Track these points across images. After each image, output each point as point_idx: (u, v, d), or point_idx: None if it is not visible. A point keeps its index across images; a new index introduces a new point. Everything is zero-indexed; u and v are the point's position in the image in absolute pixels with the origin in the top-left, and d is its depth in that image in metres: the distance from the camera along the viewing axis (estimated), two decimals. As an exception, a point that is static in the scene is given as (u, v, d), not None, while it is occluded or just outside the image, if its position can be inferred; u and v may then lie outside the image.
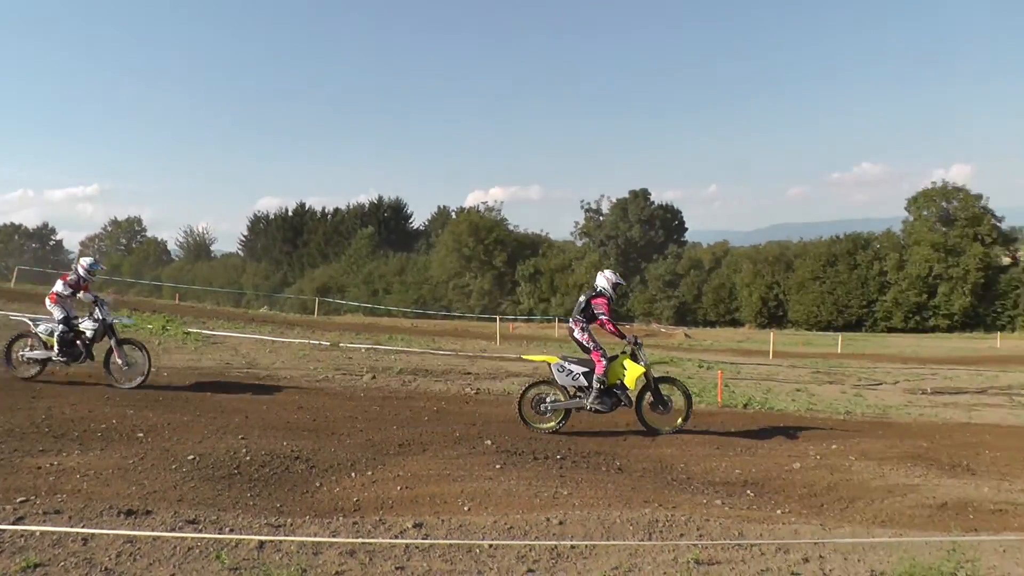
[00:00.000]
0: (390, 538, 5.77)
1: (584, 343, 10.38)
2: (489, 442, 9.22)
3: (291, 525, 6.00)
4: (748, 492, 8.16)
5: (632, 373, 10.34)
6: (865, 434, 11.55)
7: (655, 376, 10.78)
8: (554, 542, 5.81)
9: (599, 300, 10.44)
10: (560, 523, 6.30)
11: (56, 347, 11.70)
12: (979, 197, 70.32)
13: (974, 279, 66.19)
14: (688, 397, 10.82)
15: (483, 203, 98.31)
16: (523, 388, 10.75)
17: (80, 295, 11.98)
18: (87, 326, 11.87)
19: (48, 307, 12.01)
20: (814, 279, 73.13)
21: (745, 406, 13.91)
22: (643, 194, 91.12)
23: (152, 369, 12.10)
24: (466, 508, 6.74)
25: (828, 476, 8.89)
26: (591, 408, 10.26)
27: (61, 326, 11.74)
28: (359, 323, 37.03)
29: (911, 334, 61.93)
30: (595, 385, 10.19)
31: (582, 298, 10.63)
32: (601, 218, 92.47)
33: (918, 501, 8.05)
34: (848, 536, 6.50)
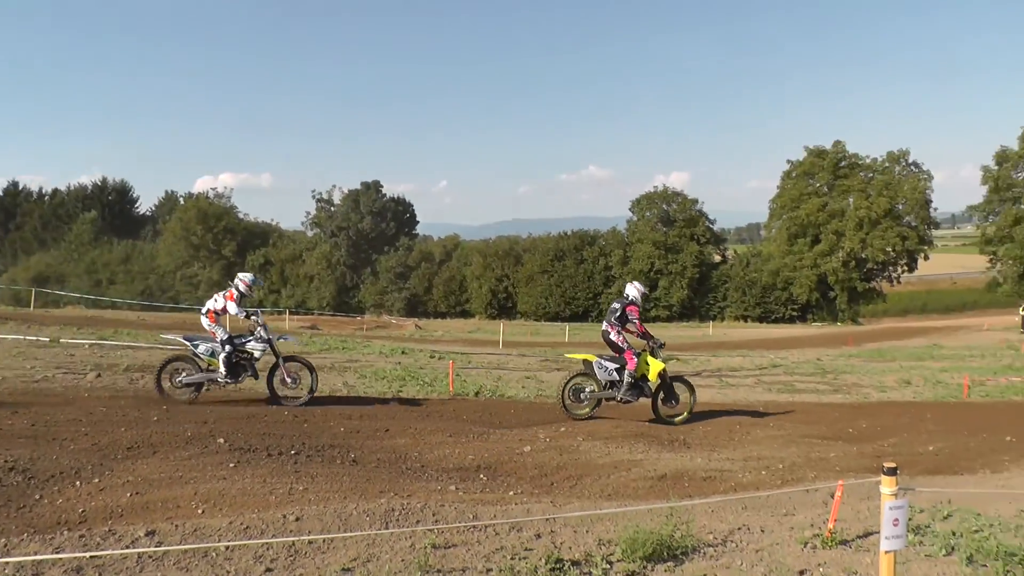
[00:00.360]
0: (121, 549, 5.39)
1: (619, 344, 12.04)
2: (222, 440, 8.83)
3: (6, 545, 5.41)
4: (482, 476, 8.45)
5: (654, 368, 12.08)
6: (591, 416, 12.24)
7: (669, 375, 12.66)
8: (292, 538, 5.70)
9: (632, 308, 12.18)
10: (297, 519, 6.19)
11: (223, 368, 11.47)
12: (695, 201, 78.30)
13: (690, 274, 73.31)
14: (693, 392, 12.70)
15: (212, 189, 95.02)
16: (565, 380, 12.04)
17: (235, 311, 11.68)
18: (254, 347, 11.81)
19: (208, 327, 11.65)
20: (542, 272, 77.02)
21: (476, 394, 14.35)
22: (375, 186, 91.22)
23: (318, 385, 12.12)
24: (200, 511, 6.42)
25: (558, 457, 9.40)
26: (622, 399, 12.02)
27: (228, 347, 11.52)
28: (81, 316, 33.95)
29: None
30: (627, 379, 11.91)
31: (616, 305, 12.30)
32: (333, 209, 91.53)
33: (641, 474, 8.78)
34: (577, 510, 6.93)
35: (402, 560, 5.40)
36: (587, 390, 11.96)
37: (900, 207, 70.25)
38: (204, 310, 11.75)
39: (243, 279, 11.96)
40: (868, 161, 73.49)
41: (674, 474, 8.86)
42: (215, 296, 11.91)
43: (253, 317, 11.81)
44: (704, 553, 6.00)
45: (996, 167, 65.81)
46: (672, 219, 76.82)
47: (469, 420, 11.37)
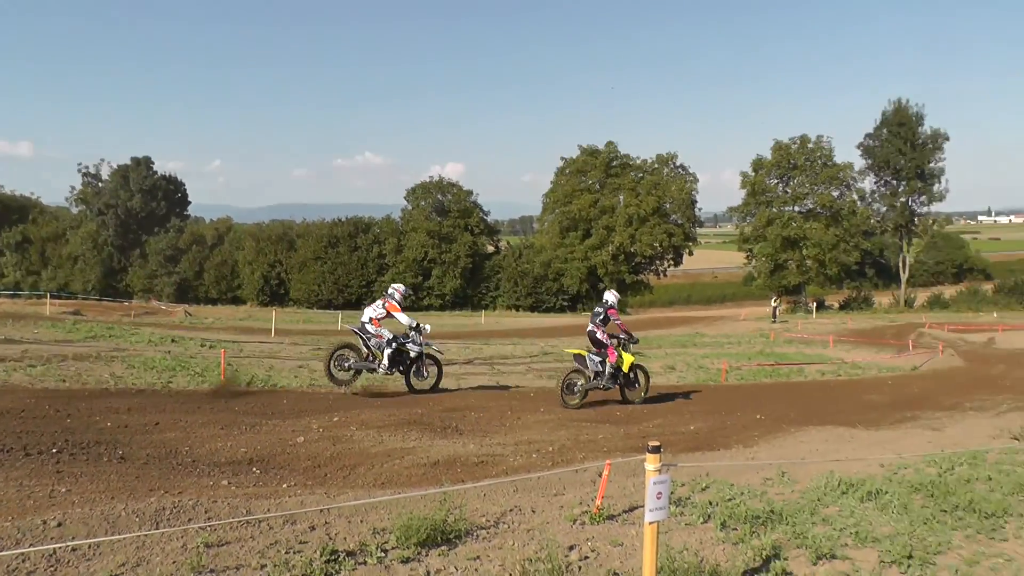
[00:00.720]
0: None
1: (604, 340, 14.45)
2: (-28, 440, 8.08)
3: None
4: (254, 469, 8.25)
5: (627, 360, 14.54)
6: (365, 406, 12.33)
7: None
8: (53, 546, 5.29)
9: (612, 311, 14.72)
10: (59, 524, 5.75)
11: (386, 361, 13.88)
12: (469, 193, 79.74)
13: (464, 264, 74.62)
14: (647, 376, 15.34)
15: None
16: (562, 376, 14.24)
17: (407, 321, 14.16)
18: (411, 346, 14.23)
19: (374, 330, 14.03)
20: (316, 259, 75.78)
21: (249, 384, 13.99)
22: (146, 162, 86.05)
23: (442, 377, 15.01)
24: (-58, 523, 5.82)
25: (331, 447, 9.37)
26: (604, 386, 14.37)
27: (393, 345, 14.00)
28: None
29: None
30: (608, 370, 14.34)
31: (599, 309, 14.82)
32: (100, 185, 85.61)
33: (414, 461, 8.90)
34: (351, 500, 6.94)
35: (174, 562, 5.22)
36: (578, 384, 14.18)
37: (667, 206, 75.33)
38: (367, 318, 14.11)
39: (398, 290, 14.62)
40: (638, 162, 78.13)
41: (447, 460, 9.05)
42: (374, 305, 14.30)
43: (421, 325, 14.48)
44: (477, 535, 6.22)
45: (753, 173, 72.73)
46: (447, 209, 77.75)
47: (241, 411, 11.08)
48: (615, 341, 14.52)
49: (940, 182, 72.40)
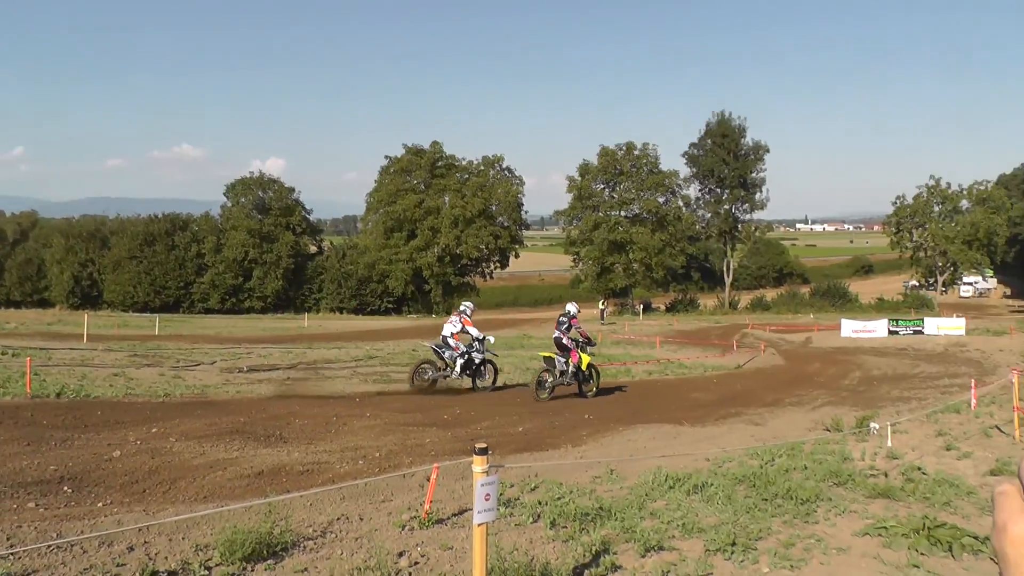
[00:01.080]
0: None
1: (568, 345, 16.88)
2: None
3: None
4: (66, 488, 7.75)
5: (584, 360, 16.99)
6: (185, 415, 11.82)
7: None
8: None
9: (575, 320, 17.31)
10: None
11: (459, 368, 17.15)
12: (292, 190, 77.81)
13: (285, 264, 72.78)
14: (599, 373, 18.10)
15: None
16: (535, 375, 16.73)
17: (477, 333, 17.39)
18: (476, 355, 17.42)
19: (453, 343, 17.28)
20: (131, 258, 71.77)
21: (59, 395, 13.12)
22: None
23: (498, 378, 18.42)
24: None
25: (150, 460, 8.94)
26: (568, 382, 16.83)
27: (466, 355, 17.21)
28: None
29: (228, 315, 64.79)
30: (571, 369, 16.83)
31: (563, 319, 17.28)
32: None
33: (238, 472, 8.66)
34: (172, 516, 6.66)
35: (-31, 596, 4.85)
36: (548, 381, 16.56)
37: (494, 208, 76.18)
38: (448, 333, 17.36)
39: (468, 306, 18.10)
40: (464, 163, 78.59)
41: (272, 470, 8.85)
42: (451, 321, 17.60)
43: (485, 337, 17.69)
44: (304, 547, 6.16)
45: (580, 178, 74.97)
46: (268, 207, 75.49)
47: (50, 425, 10.39)
48: (575, 344, 16.92)
49: (761, 191, 77.99)
